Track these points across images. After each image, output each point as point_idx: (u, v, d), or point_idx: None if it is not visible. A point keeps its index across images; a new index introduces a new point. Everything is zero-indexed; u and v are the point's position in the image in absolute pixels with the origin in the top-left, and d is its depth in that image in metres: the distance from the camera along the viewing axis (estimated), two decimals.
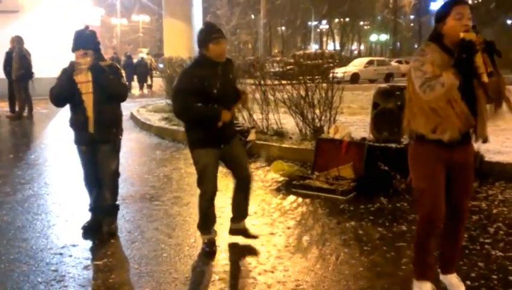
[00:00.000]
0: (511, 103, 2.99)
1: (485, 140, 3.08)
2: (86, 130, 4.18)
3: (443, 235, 3.26)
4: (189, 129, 3.99)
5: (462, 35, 2.83)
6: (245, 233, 4.24)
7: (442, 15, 2.97)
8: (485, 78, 2.81)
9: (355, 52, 62.69)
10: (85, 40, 4.20)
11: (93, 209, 4.52)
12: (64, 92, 4.20)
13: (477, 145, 3.51)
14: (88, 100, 4.14)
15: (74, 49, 4.19)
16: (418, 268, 3.24)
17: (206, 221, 4.09)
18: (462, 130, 2.99)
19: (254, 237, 4.24)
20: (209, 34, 3.79)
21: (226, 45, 3.85)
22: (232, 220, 4.27)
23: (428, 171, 3.07)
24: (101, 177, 4.40)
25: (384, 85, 7.26)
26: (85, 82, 4.13)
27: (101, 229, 4.46)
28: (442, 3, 3.06)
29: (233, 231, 4.26)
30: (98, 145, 4.28)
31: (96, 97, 4.14)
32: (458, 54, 2.83)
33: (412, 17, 59.01)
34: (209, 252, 4.00)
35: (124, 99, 4.41)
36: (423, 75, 2.88)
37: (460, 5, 2.93)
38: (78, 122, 4.25)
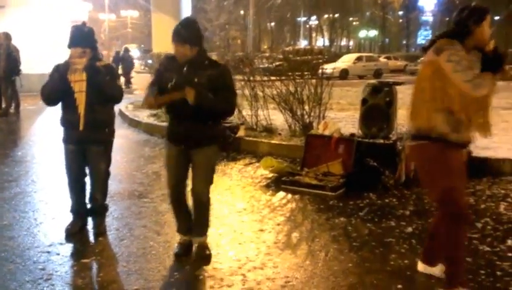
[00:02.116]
0: None
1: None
2: (77, 129, 4.12)
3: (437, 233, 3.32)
4: None
5: (492, 44, 3.01)
6: (197, 253, 3.85)
7: (481, 17, 3.05)
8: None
9: (350, 47, 62.82)
10: (83, 38, 4.12)
11: (75, 211, 4.44)
12: (56, 90, 4.13)
13: None
14: (80, 98, 4.07)
15: (71, 46, 4.09)
16: (460, 275, 3.20)
17: (176, 220, 3.96)
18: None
19: (204, 260, 3.79)
20: (172, 34, 3.62)
21: (182, 48, 3.57)
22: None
23: (455, 168, 3.09)
24: (91, 177, 4.36)
25: (373, 81, 7.28)
26: (79, 81, 4.06)
27: (83, 230, 4.42)
28: (475, 5, 3.12)
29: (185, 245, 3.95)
30: (89, 146, 4.22)
31: (89, 97, 4.08)
32: (496, 60, 2.96)
33: (400, 13, 59.17)
34: (176, 253, 3.87)
35: (119, 101, 4.35)
36: (468, 69, 2.92)
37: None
38: (69, 121, 4.19)
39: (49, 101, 4.22)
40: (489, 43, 3.03)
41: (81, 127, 4.10)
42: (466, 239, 3.31)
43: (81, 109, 4.09)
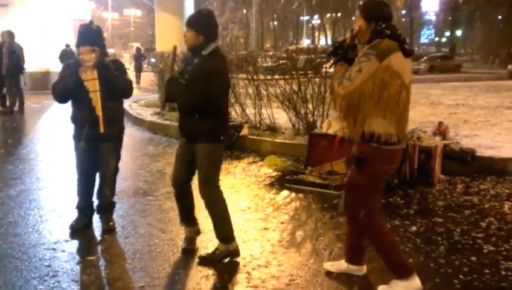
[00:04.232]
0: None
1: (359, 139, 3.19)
2: (91, 127, 4.10)
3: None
4: None
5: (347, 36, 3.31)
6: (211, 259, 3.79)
7: None
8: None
9: None
10: (93, 36, 4.15)
11: (81, 208, 4.44)
12: (68, 89, 4.12)
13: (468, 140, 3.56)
14: (96, 99, 4.05)
15: (80, 44, 4.11)
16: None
17: (180, 213, 3.98)
18: None
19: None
20: None
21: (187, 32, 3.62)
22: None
23: None
24: (100, 173, 4.37)
25: None
26: (91, 79, 4.04)
27: (88, 227, 4.43)
28: None
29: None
30: (100, 142, 4.22)
31: (103, 95, 4.07)
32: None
33: (403, 12, 59.07)
34: (184, 249, 3.94)
35: (129, 96, 4.36)
36: None
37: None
38: (81, 119, 4.18)
39: (61, 98, 4.24)
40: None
41: (101, 130, 4.06)
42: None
43: (99, 111, 4.05)
